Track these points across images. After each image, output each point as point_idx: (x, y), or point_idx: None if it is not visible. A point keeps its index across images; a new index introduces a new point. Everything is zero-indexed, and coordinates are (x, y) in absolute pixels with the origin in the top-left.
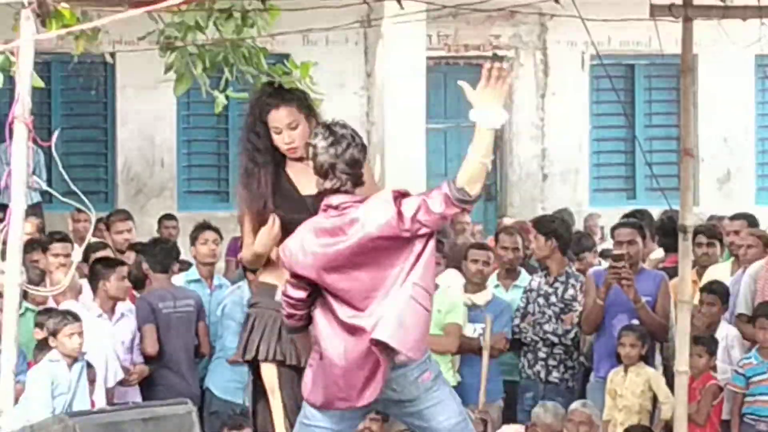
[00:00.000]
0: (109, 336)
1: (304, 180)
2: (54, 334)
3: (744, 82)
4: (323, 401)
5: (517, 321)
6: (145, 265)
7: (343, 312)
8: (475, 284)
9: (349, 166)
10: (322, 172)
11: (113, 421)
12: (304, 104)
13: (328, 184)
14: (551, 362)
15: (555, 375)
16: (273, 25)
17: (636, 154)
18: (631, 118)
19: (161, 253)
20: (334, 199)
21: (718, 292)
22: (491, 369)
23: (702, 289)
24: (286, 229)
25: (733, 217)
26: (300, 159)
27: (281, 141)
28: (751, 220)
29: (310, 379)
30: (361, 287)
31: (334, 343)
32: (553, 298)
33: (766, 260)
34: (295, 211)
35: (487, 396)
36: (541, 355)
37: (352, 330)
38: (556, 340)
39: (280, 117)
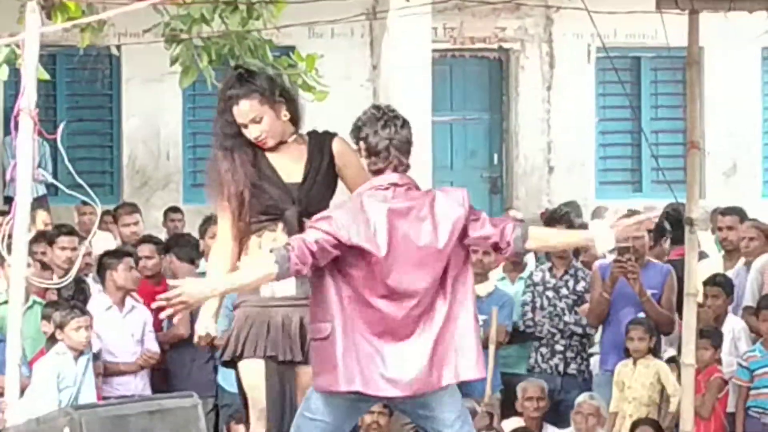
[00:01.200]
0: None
1: (288, 167)
2: (61, 327)
3: (750, 74)
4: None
5: (530, 315)
6: (170, 257)
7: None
8: (477, 275)
9: (405, 144)
10: (376, 152)
11: (119, 414)
12: (269, 92)
13: (381, 164)
14: (569, 354)
15: (573, 367)
16: (278, 17)
17: (642, 147)
18: (637, 111)
19: (188, 246)
20: (397, 179)
21: (721, 285)
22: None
23: (705, 283)
24: (266, 213)
25: (725, 212)
26: (283, 142)
27: (249, 135)
28: (743, 215)
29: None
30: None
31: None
32: (564, 291)
33: None
34: (279, 198)
35: (483, 388)
36: (559, 348)
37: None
38: (579, 330)
39: (242, 112)
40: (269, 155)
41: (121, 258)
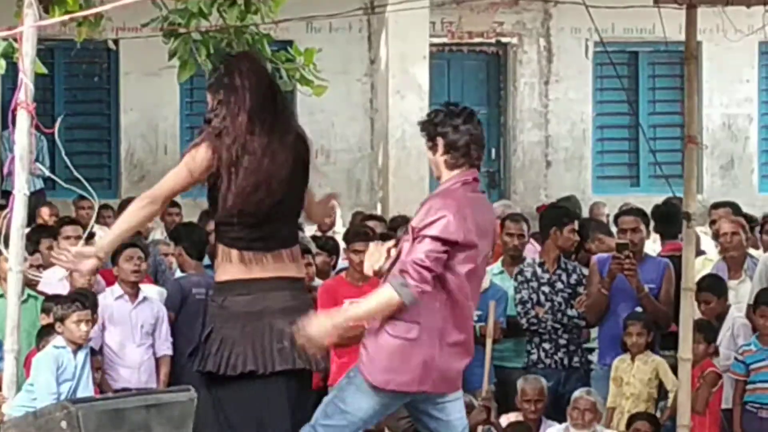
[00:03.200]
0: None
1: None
2: (61, 319)
3: (748, 69)
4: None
5: (533, 312)
6: (178, 250)
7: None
8: None
9: (482, 140)
10: (457, 147)
11: (116, 408)
12: (213, 88)
13: (462, 160)
14: (571, 347)
15: (576, 360)
16: (277, 11)
17: (639, 142)
18: (634, 105)
19: (198, 240)
20: (471, 176)
21: (711, 288)
22: (484, 355)
23: (697, 288)
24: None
25: (717, 205)
26: None
27: None
28: (735, 208)
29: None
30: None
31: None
32: (559, 285)
33: None
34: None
35: (479, 383)
36: (562, 342)
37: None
38: (583, 324)
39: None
40: None
41: (121, 251)
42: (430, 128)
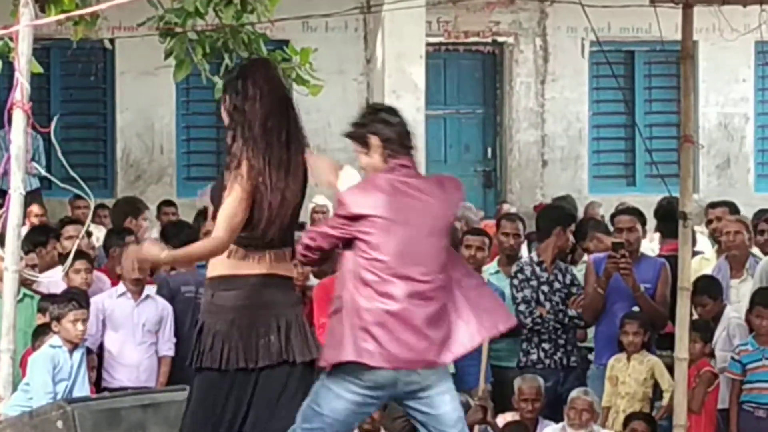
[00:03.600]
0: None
1: None
2: (58, 319)
3: (744, 68)
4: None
5: (537, 312)
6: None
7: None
8: None
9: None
10: (391, 140)
11: (112, 408)
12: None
13: (399, 151)
14: (569, 347)
15: (573, 359)
16: (273, 11)
17: (636, 141)
18: (631, 105)
19: (187, 239)
20: (399, 162)
21: (706, 290)
22: (479, 354)
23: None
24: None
25: (715, 204)
26: None
27: None
28: (733, 208)
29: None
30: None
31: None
32: (557, 284)
33: None
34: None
35: (475, 382)
36: (561, 341)
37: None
38: (582, 324)
39: None
40: None
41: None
42: (359, 131)
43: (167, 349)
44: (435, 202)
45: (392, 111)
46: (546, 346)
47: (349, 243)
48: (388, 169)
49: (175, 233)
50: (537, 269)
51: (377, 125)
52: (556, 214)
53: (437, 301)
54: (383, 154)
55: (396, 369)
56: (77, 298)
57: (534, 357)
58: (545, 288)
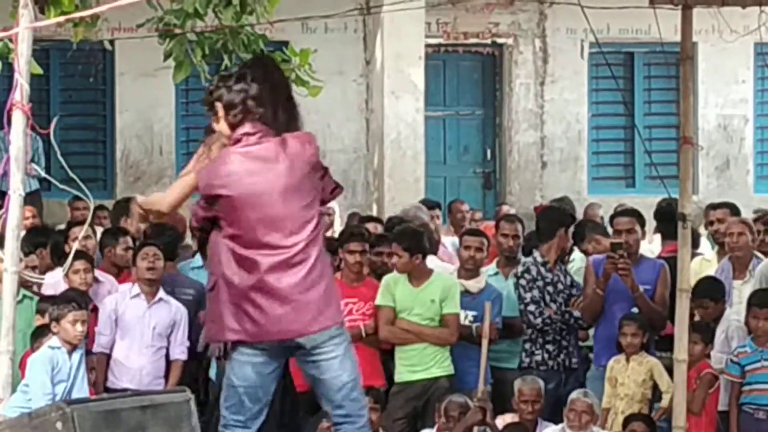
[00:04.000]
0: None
1: None
2: (57, 319)
3: (743, 70)
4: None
5: (546, 312)
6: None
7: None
8: (468, 271)
9: (255, 99)
10: (234, 105)
11: (111, 409)
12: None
13: (240, 117)
14: (570, 348)
15: (575, 361)
16: (272, 12)
17: (635, 142)
18: (630, 106)
19: (169, 240)
20: (246, 129)
21: (708, 293)
22: (479, 355)
23: (693, 293)
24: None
25: (716, 206)
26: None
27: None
28: (734, 209)
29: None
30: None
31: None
32: (560, 285)
33: None
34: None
35: (474, 383)
36: (564, 343)
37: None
38: (586, 325)
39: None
40: None
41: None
42: (208, 99)
43: (180, 352)
44: (281, 165)
45: (241, 78)
46: (550, 347)
47: (215, 221)
48: (234, 141)
49: (157, 235)
50: (542, 270)
51: (221, 90)
52: (558, 215)
53: (304, 264)
54: (227, 120)
55: (270, 341)
56: (77, 299)
57: (538, 358)
58: (550, 288)
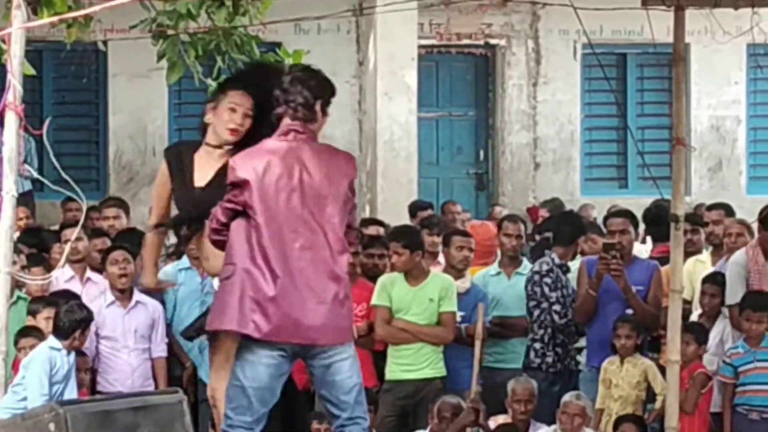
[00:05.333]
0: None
1: (205, 168)
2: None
3: (736, 71)
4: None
5: (570, 313)
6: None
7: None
8: (458, 271)
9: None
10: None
11: (104, 410)
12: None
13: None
14: (573, 351)
15: (573, 363)
16: (265, 13)
17: (628, 144)
18: (623, 107)
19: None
20: (300, 127)
21: (720, 283)
22: (471, 356)
23: (705, 280)
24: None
25: (712, 207)
26: (219, 147)
27: (231, 119)
28: (729, 210)
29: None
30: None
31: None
32: (570, 289)
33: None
34: (179, 197)
35: (467, 384)
36: (570, 346)
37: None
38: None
39: (244, 100)
40: (197, 156)
41: (108, 253)
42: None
43: (161, 350)
44: (321, 170)
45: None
46: (559, 350)
47: (241, 212)
48: (281, 133)
49: (127, 239)
50: (559, 272)
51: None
52: (580, 223)
53: (331, 271)
54: (279, 109)
55: (287, 342)
56: (65, 297)
57: (549, 359)
58: (565, 291)
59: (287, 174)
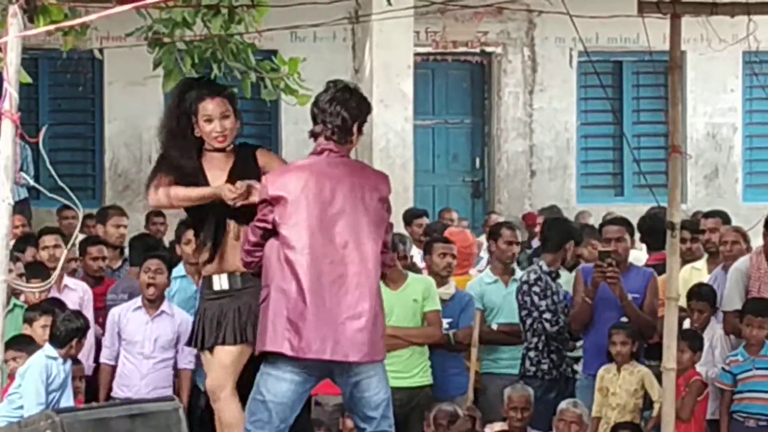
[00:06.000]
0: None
1: (216, 173)
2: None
3: (732, 79)
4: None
5: (562, 320)
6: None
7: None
8: (442, 278)
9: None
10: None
11: (100, 418)
12: (233, 101)
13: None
14: (568, 359)
15: (569, 370)
16: (261, 21)
17: (624, 151)
18: (618, 115)
19: (141, 249)
20: (335, 147)
21: (707, 297)
22: (460, 362)
23: (689, 296)
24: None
25: (708, 215)
26: (221, 150)
27: (212, 129)
28: (725, 218)
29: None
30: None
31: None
32: (561, 296)
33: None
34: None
35: (456, 390)
36: (564, 353)
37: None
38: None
39: (214, 106)
40: (204, 162)
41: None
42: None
43: (187, 362)
44: (355, 190)
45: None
46: (554, 357)
47: (273, 232)
48: (315, 153)
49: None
50: (549, 279)
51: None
52: (567, 228)
53: (362, 288)
54: (319, 128)
55: (315, 360)
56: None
57: (545, 367)
58: (556, 298)
59: (319, 192)
